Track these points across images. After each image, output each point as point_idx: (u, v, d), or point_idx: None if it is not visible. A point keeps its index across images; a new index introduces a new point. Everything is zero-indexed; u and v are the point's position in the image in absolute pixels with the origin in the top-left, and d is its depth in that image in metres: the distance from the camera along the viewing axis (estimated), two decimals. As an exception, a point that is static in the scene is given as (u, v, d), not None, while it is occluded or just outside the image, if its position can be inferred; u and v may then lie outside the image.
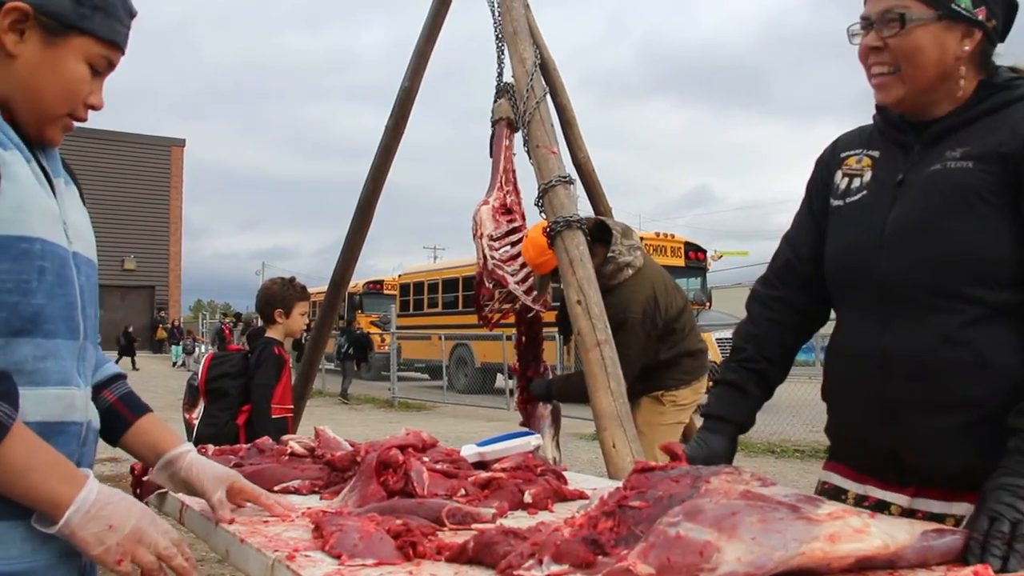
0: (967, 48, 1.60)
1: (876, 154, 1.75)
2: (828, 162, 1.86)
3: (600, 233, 3.92)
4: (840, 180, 1.79)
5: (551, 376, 4.12)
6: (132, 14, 1.48)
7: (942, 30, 1.58)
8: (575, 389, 3.89)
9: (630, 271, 3.90)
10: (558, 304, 4.71)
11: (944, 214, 1.57)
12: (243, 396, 4.19)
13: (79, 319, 1.41)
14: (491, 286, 3.76)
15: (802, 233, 1.90)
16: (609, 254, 3.88)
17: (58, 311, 1.36)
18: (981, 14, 1.60)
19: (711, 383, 1.97)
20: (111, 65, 1.46)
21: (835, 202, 1.79)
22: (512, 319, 4.12)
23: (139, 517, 1.34)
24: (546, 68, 4.39)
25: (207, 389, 4.25)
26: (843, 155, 1.82)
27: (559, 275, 3.63)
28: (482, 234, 3.78)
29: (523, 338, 4.12)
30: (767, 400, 1.93)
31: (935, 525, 1.32)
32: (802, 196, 1.94)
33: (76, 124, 1.47)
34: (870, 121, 1.84)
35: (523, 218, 4.03)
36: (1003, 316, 1.54)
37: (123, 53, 1.47)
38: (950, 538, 1.27)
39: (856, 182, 1.75)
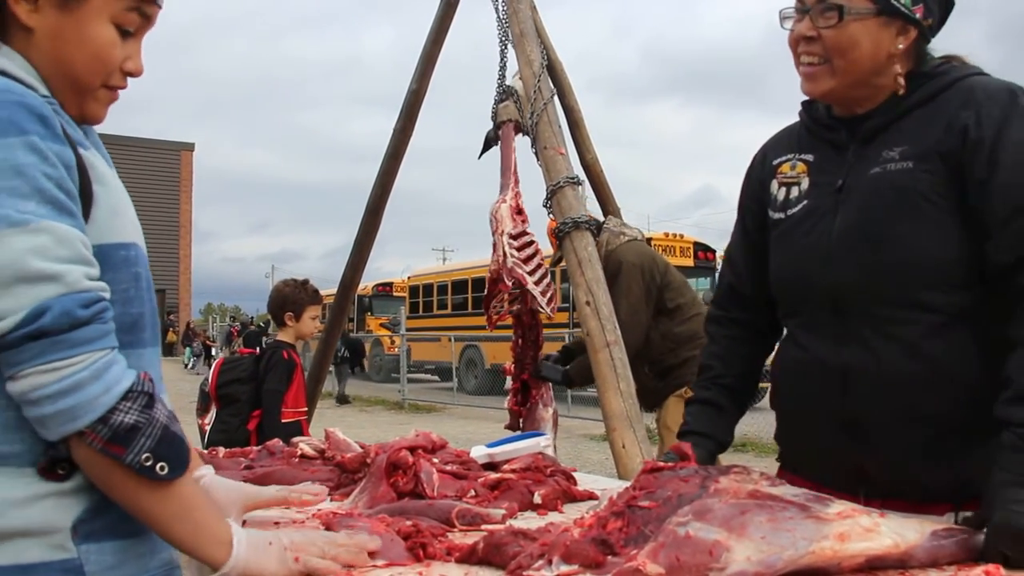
0: (901, 46, 1.55)
1: (810, 158, 1.69)
2: (760, 174, 1.80)
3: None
4: (777, 191, 1.73)
5: (552, 407, 4.06)
6: None
7: (879, 25, 1.53)
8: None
9: (625, 238, 4.14)
10: (567, 307, 4.70)
11: (890, 220, 1.52)
12: (254, 401, 4.19)
13: (158, 323, 1.37)
14: (510, 283, 3.76)
15: (739, 253, 1.87)
16: (604, 224, 4.18)
17: (149, 318, 1.31)
18: (919, 12, 1.54)
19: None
20: (146, 19, 1.29)
21: (775, 215, 1.72)
22: (509, 320, 4.11)
23: (280, 559, 1.26)
24: (553, 69, 4.39)
25: (218, 395, 4.26)
26: (775, 163, 1.75)
27: None
28: (503, 231, 3.78)
29: (519, 340, 4.11)
30: (741, 416, 1.89)
31: (945, 524, 1.32)
32: (737, 211, 1.88)
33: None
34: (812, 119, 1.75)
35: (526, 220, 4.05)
36: (961, 322, 1.49)
37: (157, 3, 1.29)
38: (960, 537, 1.27)
39: (795, 191, 1.69)
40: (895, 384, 1.52)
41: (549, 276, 3.82)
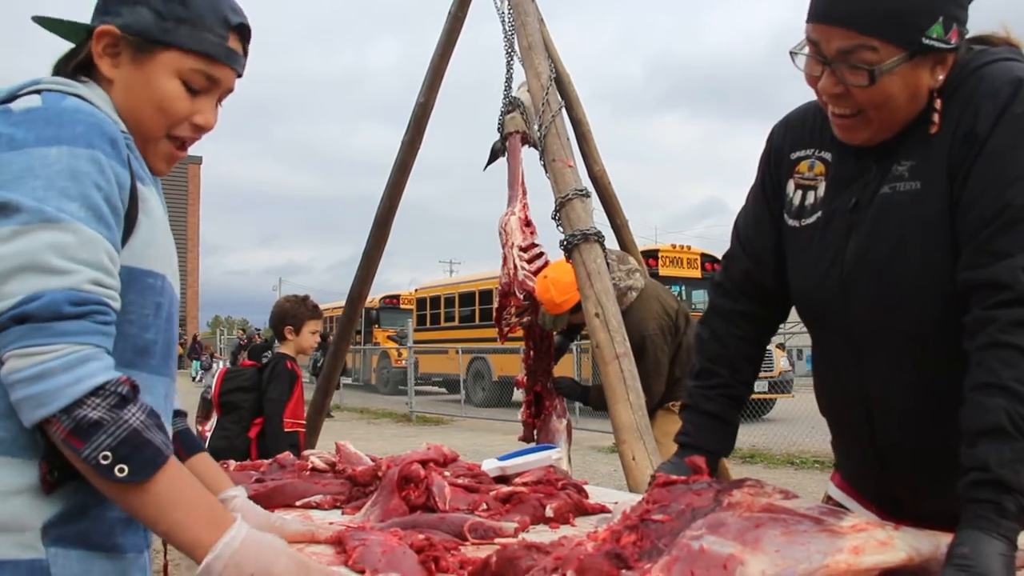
0: (941, 77, 1.41)
1: (829, 157, 1.57)
2: (779, 160, 1.65)
3: None
4: (793, 193, 1.61)
5: (566, 419, 4.07)
6: (230, 25, 1.39)
7: (912, 68, 1.38)
8: None
9: (634, 294, 4.02)
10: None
11: (902, 250, 1.42)
12: (255, 410, 4.28)
13: (174, 357, 1.42)
14: (521, 296, 3.78)
15: (759, 236, 1.69)
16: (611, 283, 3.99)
17: (162, 348, 1.36)
18: (954, 37, 1.38)
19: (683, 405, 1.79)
20: (213, 81, 1.40)
21: (790, 221, 1.61)
22: (520, 332, 4.13)
23: (284, 566, 1.22)
24: (561, 82, 4.40)
25: (220, 402, 4.37)
26: (793, 157, 1.62)
27: (577, 312, 3.72)
28: (512, 244, 3.80)
29: (531, 351, 4.12)
30: None
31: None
32: (755, 180, 1.71)
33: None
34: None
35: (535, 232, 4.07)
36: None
37: (230, 66, 1.41)
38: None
39: (810, 197, 1.58)
40: (914, 420, 1.48)
41: None
